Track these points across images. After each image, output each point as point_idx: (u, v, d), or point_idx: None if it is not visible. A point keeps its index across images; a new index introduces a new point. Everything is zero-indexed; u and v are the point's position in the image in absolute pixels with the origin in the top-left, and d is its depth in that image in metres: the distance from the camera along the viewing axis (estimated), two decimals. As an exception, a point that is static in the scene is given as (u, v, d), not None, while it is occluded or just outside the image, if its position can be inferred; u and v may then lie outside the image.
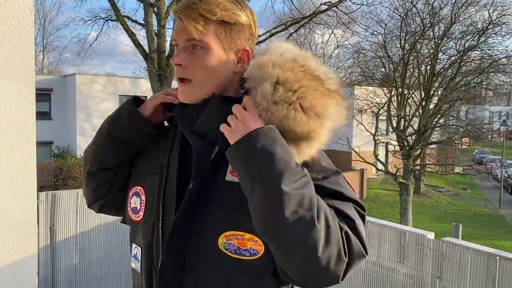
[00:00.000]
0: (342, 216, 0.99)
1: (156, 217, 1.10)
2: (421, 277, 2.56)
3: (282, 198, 0.91)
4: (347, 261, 0.95)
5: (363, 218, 1.04)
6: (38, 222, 3.09)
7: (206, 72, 1.08)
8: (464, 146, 24.73)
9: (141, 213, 1.15)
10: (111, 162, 1.23)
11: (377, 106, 17.94)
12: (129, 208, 1.20)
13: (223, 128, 1.02)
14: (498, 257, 2.18)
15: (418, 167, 18.29)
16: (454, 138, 20.40)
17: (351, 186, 1.09)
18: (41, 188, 13.71)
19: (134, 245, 1.18)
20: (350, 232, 0.97)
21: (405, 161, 16.57)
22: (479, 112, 22.73)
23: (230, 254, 1.01)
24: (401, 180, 16.21)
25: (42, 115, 19.96)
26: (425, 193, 23.00)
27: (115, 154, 1.22)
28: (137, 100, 1.23)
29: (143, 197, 1.16)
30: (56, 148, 20.21)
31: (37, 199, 3.18)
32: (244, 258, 1.00)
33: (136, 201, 1.18)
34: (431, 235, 2.52)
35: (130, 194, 1.20)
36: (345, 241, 0.95)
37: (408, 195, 16.34)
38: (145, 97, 1.36)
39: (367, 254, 1.01)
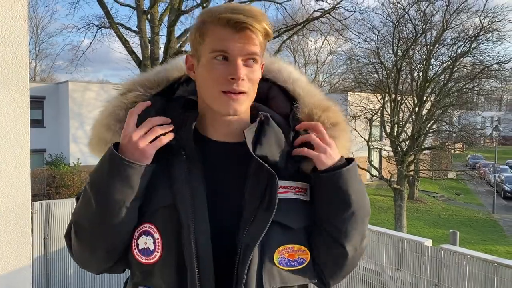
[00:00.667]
0: None
1: (188, 255, 0.99)
2: (419, 284, 2.55)
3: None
4: None
5: None
6: (32, 232, 3.05)
7: (255, 86, 1.08)
8: (457, 152, 24.86)
9: (157, 253, 1.02)
10: (116, 239, 1.05)
11: (371, 112, 18.02)
12: (135, 251, 1.04)
13: (314, 152, 1.08)
14: (496, 264, 2.18)
15: (412, 173, 18.36)
16: (447, 144, 20.52)
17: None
18: (33, 196, 13.58)
19: None
20: None
21: (399, 166, 16.63)
22: (472, 118, 22.89)
23: (283, 268, 1.04)
24: (395, 185, 16.25)
25: (35, 123, 19.80)
26: (419, 199, 23.07)
27: (114, 228, 1.03)
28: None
29: (157, 235, 1.02)
30: (48, 156, 20.08)
31: (31, 209, 3.15)
32: (294, 268, 1.06)
33: (146, 241, 1.04)
34: (428, 242, 2.52)
35: (136, 234, 1.05)
36: None
37: (402, 200, 16.37)
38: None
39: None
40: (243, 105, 1.06)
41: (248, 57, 1.04)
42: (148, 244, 1.03)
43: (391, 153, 18.16)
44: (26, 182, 2.57)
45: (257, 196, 1.04)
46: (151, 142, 1.03)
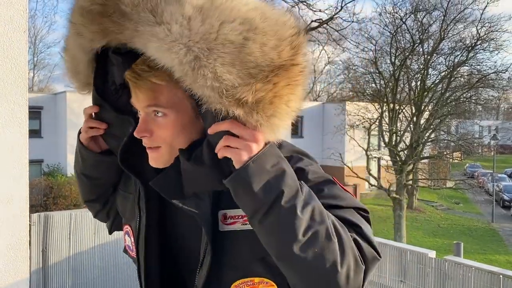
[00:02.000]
0: (347, 223, 0.92)
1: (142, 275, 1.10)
2: (423, 297, 2.51)
3: (296, 219, 0.83)
4: (364, 267, 0.88)
5: (367, 220, 0.98)
6: (30, 245, 3.00)
7: (175, 136, 1.02)
8: (455, 161, 24.89)
9: (134, 252, 1.15)
10: (91, 196, 1.25)
11: (369, 122, 18.05)
12: (125, 244, 1.21)
13: (224, 152, 0.88)
14: (501, 276, 2.14)
15: (410, 182, 18.34)
16: (445, 153, 20.55)
17: (348, 192, 1.01)
18: (31, 207, 13.48)
19: None
20: (359, 238, 0.90)
21: (398, 176, 16.62)
22: (470, 127, 22.94)
23: None
24: (394, 195, 16.21)
25: (33, 133, 19.78)
26: (418, 208, 23.02)
27: (87, 189, 1.24)
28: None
29: (132, 239, 1.15)
30: (46, 166, 20.00)
31: (29, 221, 3.09)
32: None
33: (128, 240, 1.18)
34: (432, 254, 2.49)
35: (124, 231, 1.20)
36: (357, 248, 0.89)
37: (402, 210, 16.33)
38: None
39: (380, 257, 0.95)
40: (165, 156, 0.99)
41: (148, 111, 0.97)
42: (128, 242, 1.18)
43: (390, 162, 18.16)
44: (24, 194, 2.54)
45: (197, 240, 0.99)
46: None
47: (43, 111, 20.51)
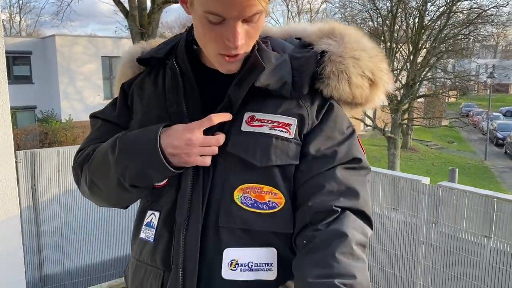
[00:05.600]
0: (350, 191, 0.92)
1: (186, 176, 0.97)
2: (416, 223, 2.50)
3: None
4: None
5: (368, 180, 0.99)
6: (18, 182, 2.96)
7: (257, 36, 0.95)
8: (451, 99, 24.85)
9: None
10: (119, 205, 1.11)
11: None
12: None
13: None
14: (496, 199, 2.12)
15: (406, 121, 18.37)
16: (441, 91, 20.43)
17: (361, 146, 1.01)
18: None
19: (150, 212, 1.03)
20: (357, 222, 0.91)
21: (393, 115, 16.61)
22: (467, 65, 22.66)
23: (246, 208, 0.93)
24: (389, 134, 16.29)
25: (23, 79, 19.42)
26: (412, 148, 23.23)
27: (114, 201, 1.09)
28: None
29: None
30: (39, 112, 19.80)
31: (15, 158, 3.04)
32: (261, 211, 0.93)
33: None
34: (426, 180, 2.45)
35: None
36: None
37: (396, 149, 16.47)
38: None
39: (371, 228, 0.95)
40: (241, 62, 0.95)
41: (250, 18, 0.89)
42: None
43: (385, 102, 18.06)
44: (8, 132, 2.45)
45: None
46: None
47: (32, 56, 19.98)
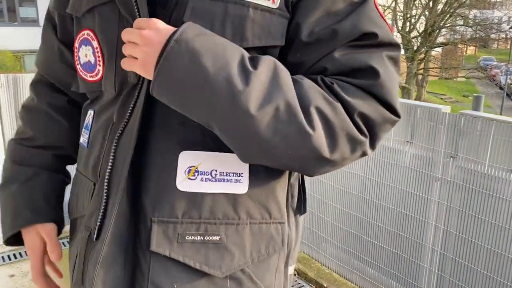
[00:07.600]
0: (360, 71, 0.69)
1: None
2: (432, 157, 2.26)
3: (250, 123, 0.63)
4: (369, 136, 0.69)
5: (396, 61, 0.74)
6: (0, 108, 2.75)
7: None
8: (469, 52, 24.05)
9: (99, 68, 0.81)
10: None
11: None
12: (78, 66, 0.85)
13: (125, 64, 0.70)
14: (527, 129, 1.86)
15: (421, 71, 17.89)
16: (461, 40, 19.73)
17: (383, 18, 0.76)
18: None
19: (89, 112, 0.86)
20: (367, 97, 0.68)
21: (409, 63, 16.15)
22: (490, 14, 21.69)
23: None
24: (403, 84, 15.93)
25: (31, 22, 19.02)
26: (426, 100, 22.74)
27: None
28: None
29: (95, 43, 0.80)
30: (47, 55, 19.56)
31: (-3, 81, 2.81)
32: None
33: (87, 53, 0.82)
34: (446, 109, 2.18)
35: (76, 45, 0.84)
36: (359, 119, 0.68)
37: (410, 99, 16.11)
38: None
39: (397, 115, 0.72)
40: None
41: None
42: (88, 56, 0.82)
43: (402, 50, 17.55)
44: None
45: None
46: None
47: (38, -3, 19.50)
